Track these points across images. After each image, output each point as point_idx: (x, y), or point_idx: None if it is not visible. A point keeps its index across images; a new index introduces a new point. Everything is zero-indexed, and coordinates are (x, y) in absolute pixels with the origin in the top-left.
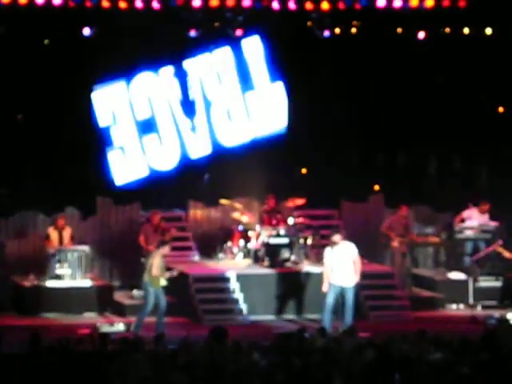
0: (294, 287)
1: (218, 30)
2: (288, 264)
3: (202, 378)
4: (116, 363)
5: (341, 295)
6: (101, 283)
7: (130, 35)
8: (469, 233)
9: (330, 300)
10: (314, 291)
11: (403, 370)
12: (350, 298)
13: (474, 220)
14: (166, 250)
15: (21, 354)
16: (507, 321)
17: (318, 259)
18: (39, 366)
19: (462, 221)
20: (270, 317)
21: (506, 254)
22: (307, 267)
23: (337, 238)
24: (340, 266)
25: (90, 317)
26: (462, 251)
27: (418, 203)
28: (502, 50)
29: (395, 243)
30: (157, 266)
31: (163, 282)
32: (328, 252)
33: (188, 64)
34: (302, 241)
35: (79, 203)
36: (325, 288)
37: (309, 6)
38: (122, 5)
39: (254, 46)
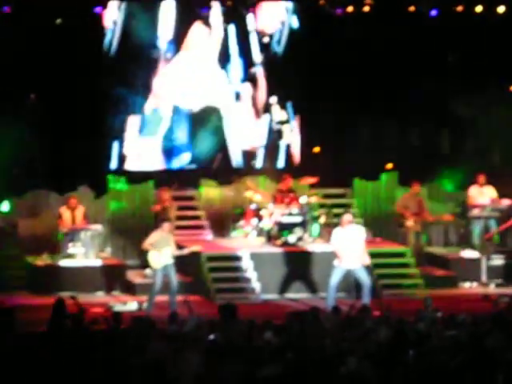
0: (306, 266)
1: (229, 8)
2: (300, 243)
3: (217, 356)
4: (131, 342)
5: (352, 277)
6: (113, 262)
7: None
8: (481, 211)
9: (334, 282)
10: (326, 270)
11: (417, 347)
12: (364, 277)
13: (484, 197)
14: (164, 227)
15: (35, 333)
16: None
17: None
18: (55, 345)
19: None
20: (283, 295)
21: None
22: (319, 246)
23: (348, 217)
24: (347, 248)
25: (102, 296)
26: (473, 229)
27: (431, 181)
28: None
29: (410, 222)
30: (147, 243)
31: (167, 260)
32: (336, 233)
33: None
34: (314, 219)
35: (92, 182)
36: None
37: None
38: None
39: None
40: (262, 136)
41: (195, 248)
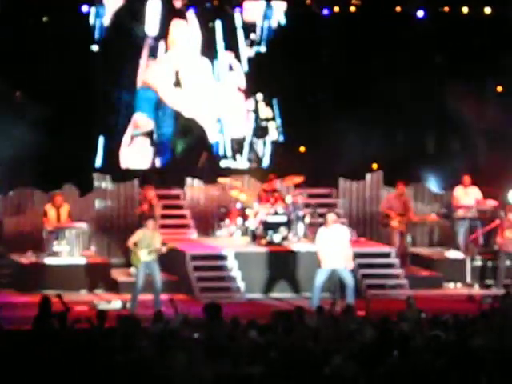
0: (291, 266)
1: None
2: (285, 242)
3: (201, 356)
4: (116, 341)
5: (336, 276)
6: (97, 260)
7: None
8: (466, 212)
9: (319, 282)
10: (310, 270)
11: (401, 347)
12: (347, 277)
13: (468, 198)
14: (149, 225)
15: (20, 330)
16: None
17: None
18: (40, 343)
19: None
20: (268, 295)
21: None
22: (304, 246)
23: (332, 217)
24: (331, 248)
25: (86, 294)
26: (458, 230)
27: (417, 182)
28: (500, 28)
29: (395, 222)
30: (131, 241)
31: (144, 258)
32: (320, 233)
33: None
34: (299, 219)
35: (77, 180)
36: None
37: None
38: None
39: None
40: (249, 129)
41: (171, 245)
